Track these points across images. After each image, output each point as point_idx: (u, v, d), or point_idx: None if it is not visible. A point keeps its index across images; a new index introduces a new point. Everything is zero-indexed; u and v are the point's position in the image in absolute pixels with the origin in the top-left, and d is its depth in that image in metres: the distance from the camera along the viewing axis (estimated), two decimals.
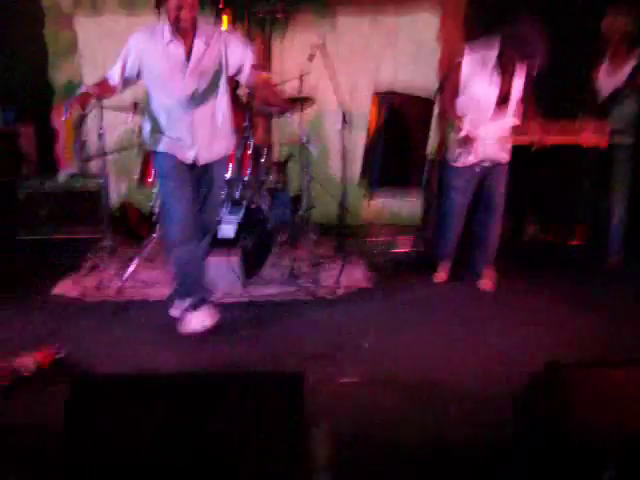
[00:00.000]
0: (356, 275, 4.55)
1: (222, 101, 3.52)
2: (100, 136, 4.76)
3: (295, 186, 5.15)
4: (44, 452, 2.38)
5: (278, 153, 5.74)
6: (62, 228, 5.43)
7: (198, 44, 3.38)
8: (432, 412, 2.77)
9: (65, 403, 2.00)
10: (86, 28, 5.95)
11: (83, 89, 3.41)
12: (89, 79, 5.93)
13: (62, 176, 5.51)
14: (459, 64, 4.04)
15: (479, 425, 2.64)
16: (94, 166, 5.52)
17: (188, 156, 3.52)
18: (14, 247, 5.37)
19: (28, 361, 3.02)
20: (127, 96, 5.15)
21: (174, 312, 3.73)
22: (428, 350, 3.43)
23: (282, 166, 5.01)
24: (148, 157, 4.58)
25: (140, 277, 4.43)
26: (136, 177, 4.73)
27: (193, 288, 3.61)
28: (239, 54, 3.46)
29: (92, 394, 2.10)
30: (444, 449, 2.49)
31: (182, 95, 3.41)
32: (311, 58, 4.63)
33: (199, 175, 3.60)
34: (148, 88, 3.52)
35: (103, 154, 4.79)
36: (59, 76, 6.04)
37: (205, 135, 3.50)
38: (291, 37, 5.87)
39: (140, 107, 4.61)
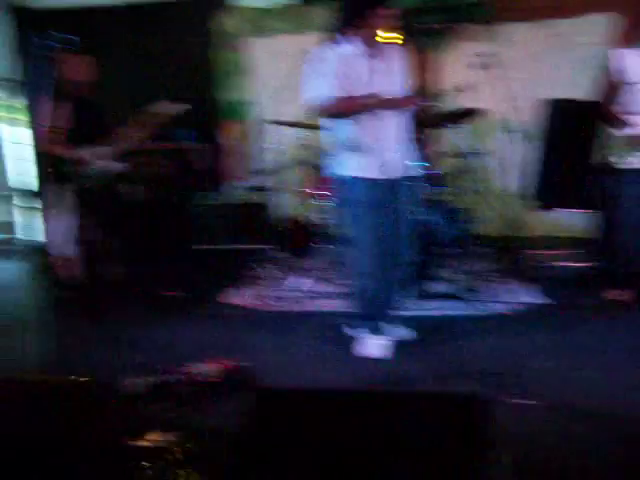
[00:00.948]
0: (526, 291, 4.36)
1: (405, 114, 3.46)
2: (268, 151, 4.89)
3: (460, 199, 5.03)
4: (223, 459, 2.45)
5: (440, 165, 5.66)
6: (231, 239, 5.69)
7: (385, 57, 3.38)
8: (623, 443, 2.57)
9: (250, 412, 2.04)
10: (252, 48, 6.20)
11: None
12: (257, 97, 6.20)
13: (231, 189, 5.77)
14: (621, 60, 3.83)
15: None
16: (261, 179, 5.75)
17: (381, 171, 3.38)
18: (189, 257, 5.69)
19: (207, 369, 3.13)
20: (293, 112, 5.35)
21: (348, 331, 3.71)
22: (610, 375, 3.16)
23: (447, 178, 4.91)
24: (313, 171, 4.67)
25: (304, 289, 4.52)
26: (301, 190, 4.82)
27: (377, 316, 3.55)
28: (409, 69, 3.46)
29: (274, 405, 2.14)
30: None
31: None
32: (475, 68, 4.53)
33: (391, 194, 3.45)
34: None
35: (270, 169, 4.93)
36: (228, 95, 6.33)
37: (395, 148, 3.43)
38: (453, 47, 5.78)
39: (308, 124, 4.73)
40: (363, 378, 3.24)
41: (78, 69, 4.56)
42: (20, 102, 6.84)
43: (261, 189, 5.73)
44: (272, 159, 4.94)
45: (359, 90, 3.30)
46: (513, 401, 2.86)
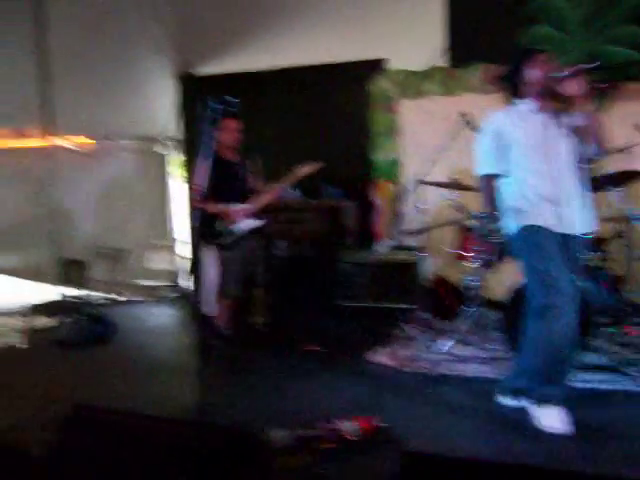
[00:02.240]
0: None
1: (581, 169, 3.42)
2: (418, 210, 4.91)
3: (619, 265, 4.77)
4: None
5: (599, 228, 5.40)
6: (378, 297, 5.71)
7: (558, 115, 3.39)
8: None
9: (395, 476, 2.02)
10: (408, 110, 6.32)
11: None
12: (408, 157, 6.28)
13: (380, 248, 5.82)
14: None
15: None
16: (410, 239, 5.76)
17: (558, 223, 3.34)
18: (333, 313, 5.77)
19: (351, 427, 3.14)
20: (444, 173, 5.35)
21: (505, 400, 3.55)
22: None
23: (604, 243, 4.69)
24: (465, 232, 4.63)
25: (454, 352, 4.44)
26: (452, 251, 4.78)
27: (557, 376, 3.31)
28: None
29: (417, 471, 2.10)
30: None
31: (553, 161, 3.34)
32: (636, 128, 4.35)
33: (566, 248, 3.37)
34: (512, 166, 3.41)
35: (420, 228, 4.93)
36: (380, 155, 6.45)
37: (573, 202, 3.37)
38: (615, 106, 5.57)
39: (458, 184, 4.72)
40: (510, 450, 3.10)
41: (233, 131, 4.84)
42: (184, 160, 7.38)
43: (410, 249, 5.74)
44: (422, 219, 4.95)
45: (536, 148, 3.33)
46: None
